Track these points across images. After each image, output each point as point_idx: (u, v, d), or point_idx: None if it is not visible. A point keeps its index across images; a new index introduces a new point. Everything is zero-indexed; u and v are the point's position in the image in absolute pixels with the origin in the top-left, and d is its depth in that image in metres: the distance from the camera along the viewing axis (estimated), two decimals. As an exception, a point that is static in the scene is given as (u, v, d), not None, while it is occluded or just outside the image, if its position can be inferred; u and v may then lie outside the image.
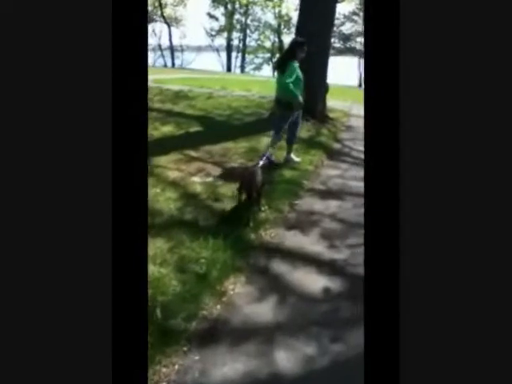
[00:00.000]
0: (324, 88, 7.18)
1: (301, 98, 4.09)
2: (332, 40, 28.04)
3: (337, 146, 5.60)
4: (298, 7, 7.25)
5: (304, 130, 6.15)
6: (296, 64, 4.08)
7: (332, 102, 10.48)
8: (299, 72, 4.11)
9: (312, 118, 6.65)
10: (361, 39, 29.56)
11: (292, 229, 2.83)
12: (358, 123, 7.64)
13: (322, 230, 2.85)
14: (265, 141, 5.29)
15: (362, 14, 28.41)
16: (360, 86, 27.97)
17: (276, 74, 4.29)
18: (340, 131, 6.67)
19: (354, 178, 4.11)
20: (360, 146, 5.61)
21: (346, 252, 2.54)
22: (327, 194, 3.58)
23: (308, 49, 6.40)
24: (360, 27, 29.08)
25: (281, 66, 4.10)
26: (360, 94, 15.45)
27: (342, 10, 29.06)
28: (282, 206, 3.20)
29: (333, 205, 3.33)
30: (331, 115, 7.92)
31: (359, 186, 3.87)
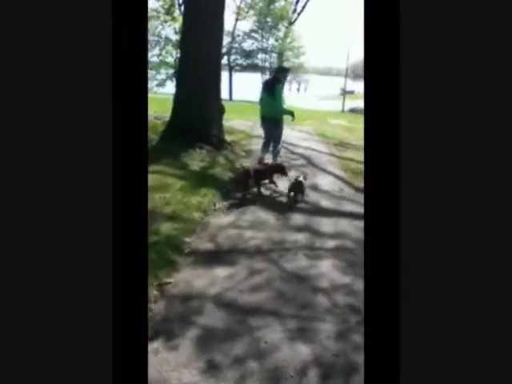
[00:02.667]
0: (218, 109, 6.41)
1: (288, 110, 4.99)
2: (234, 57, 27.95)
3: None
4: (183, 23, 6.42)
5: (196, 161, 5.28)
6: (282, 87, 4.89)
7: (233, 121, 9.88)
8: (283, 93, 4.93)
9: (206, 145, 5.82)
10: (262, 55, 30.18)
11: (152, 339, 1.87)
12: (260, 145, 7.06)
13: (195, 336, 1.93)
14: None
15: (260, 31, 29.08)
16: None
17: (263, 95, 4.97)
18: (239, 158, 5.94)
19: (251, 224, 3.33)
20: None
21: None
22: (215, 258, 2.71)
23: (195, 69, 5.72)
24: (260, 44, 29.71)
25: (270, 90, 4.83)
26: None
27: (241, 27, 29.37)
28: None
29: (221, 276, 2.46)
30: (231, 138, 7.21)
31: (255, 236, 3.09)
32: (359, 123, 13.40)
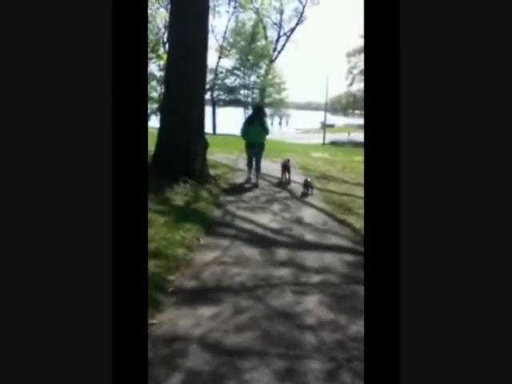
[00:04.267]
0: (202, 143, 6.49)
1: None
2: (217, 93, 28.67)
3: (217, 213, 4.81)
4: (167, 60, 6.61)
5: (180, 195, 5.26)
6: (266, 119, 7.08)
7: (217, 155, 9.99)
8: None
9: (190, 179, 5.83)
10: (244, 91, 31.10)
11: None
12: (243, 178, 7.13)
13: (179, 382, 1.85)
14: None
15: (242, 68, 30.10)
16: (247, 134, 28.89)
17: (252, 126, 6.48)
18: (222, 192, 5.96)
19: (235, 260, 3.30)
20: (243, 211, 4.92)
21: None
22: (199, 296, 2.66)
23: (179, 103, 5.83)
24: (242, 81, 30.66)
25: (260, 122, 6.50)
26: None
27: (224, 64, 30.37)
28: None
29: (205, 316, 2.40)
30: (214, 172, 7.26)
31: (240, 272, 3.06)
32: (340, 156, 13.78)
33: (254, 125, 6.43)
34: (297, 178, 7.63)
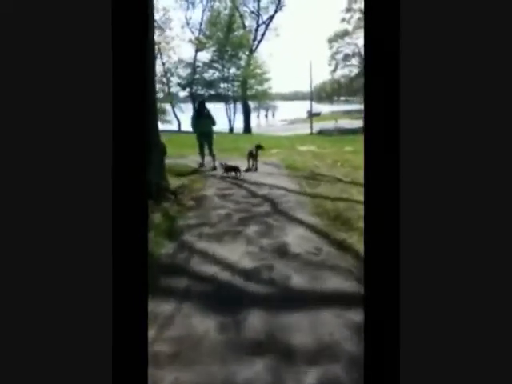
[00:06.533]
0: (157, 150, 5.16)
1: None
2: (196, 87, 27.21)
3: (168, 249, 3.49)
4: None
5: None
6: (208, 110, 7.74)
7: (190, 157, 8.68)
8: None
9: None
10: (224, 85, 29.56)
11: None
12: (215, 189, 5.81)
13: None
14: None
15: (220, 61, 28.58)
16: (231, 130, 27.49)
17: (201, 118, 7.58)
18: (184, 211, 4.64)
19: (175, 351, 2.01)
20: (206, 241, 3.62)
21: None
22: None
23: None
24: (221, 74, 29.11)
25: (208, 115, 7.58)
26: (232, 140, 14.11)
27: (202, 57, 28.81)
28: None
29: None
30: (181, 181, 5.96)
31: (177, 378, 1.77)
32: (328, 147, 12.57)
33: (201, 117, 7.49)
34: (284, 183, 6.37)
